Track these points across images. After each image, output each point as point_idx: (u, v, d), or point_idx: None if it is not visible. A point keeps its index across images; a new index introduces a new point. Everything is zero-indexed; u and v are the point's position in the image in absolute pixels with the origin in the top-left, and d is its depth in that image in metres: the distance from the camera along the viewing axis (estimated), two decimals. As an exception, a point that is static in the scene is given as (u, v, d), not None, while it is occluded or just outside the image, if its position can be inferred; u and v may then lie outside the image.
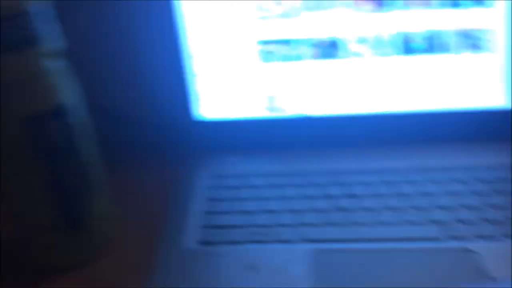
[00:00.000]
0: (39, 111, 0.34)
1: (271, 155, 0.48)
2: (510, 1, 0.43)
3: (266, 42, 0.47)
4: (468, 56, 0.45)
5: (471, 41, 0.44)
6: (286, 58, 0.47)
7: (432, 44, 0.45)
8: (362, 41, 0.46)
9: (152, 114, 0.52)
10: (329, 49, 0.46)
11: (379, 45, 0.46)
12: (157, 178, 0.48)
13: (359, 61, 0.46)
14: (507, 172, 0.42)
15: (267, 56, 0.47)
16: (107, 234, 0.40)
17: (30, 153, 0.34)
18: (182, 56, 0.47)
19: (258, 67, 0.48)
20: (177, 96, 0.49)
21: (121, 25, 0.50)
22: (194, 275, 0.36)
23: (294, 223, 0.39)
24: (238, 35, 0.47)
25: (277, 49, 0.47)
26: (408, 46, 0.45)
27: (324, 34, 0.46)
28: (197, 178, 0.46)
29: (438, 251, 0.35)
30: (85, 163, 0.37)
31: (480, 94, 0.46)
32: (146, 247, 0.39)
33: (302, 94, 0.48)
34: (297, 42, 0.46)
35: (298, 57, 0.47)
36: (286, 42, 0.47)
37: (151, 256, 0.38)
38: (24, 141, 0.34)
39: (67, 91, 0.35)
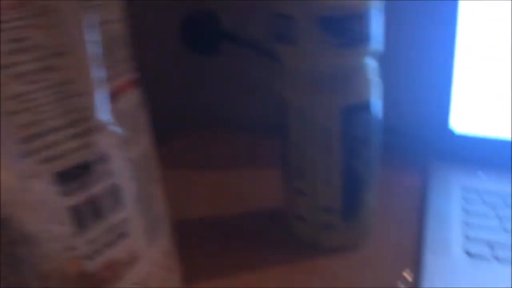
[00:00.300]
0: (354, 103, 0.36)
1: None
2: None
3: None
4: None
5: None
6: None
7: None
8: None
9: (411, 121, 0.53)
10: None
11: None
12: (407, 181, 0.49)
13: None
14: None
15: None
16: (371, 223, 0.42)
17: (336, 139, 0.37)
18: (452, 69, 0.48)
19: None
20: (438, 107, 0.49)
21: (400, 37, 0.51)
22: (466, 284, 0.36)
23: None
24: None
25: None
26: None
27: None
28: (452, 189, 0.46)
29: None
30: (373, 155, 0.38)
31: None
32: (401, 242, 0.41)
33: None
34: None
35: None
36: None
37: (408, 253, 0.39)
38: (336, 128, 0.36)
39: (374, 89, 0.37)
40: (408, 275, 0.38)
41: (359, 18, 0.34)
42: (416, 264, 0.38)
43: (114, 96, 0.27)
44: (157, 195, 0.32)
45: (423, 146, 0.51)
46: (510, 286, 0.35)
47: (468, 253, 0.38)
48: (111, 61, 0.27)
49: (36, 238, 0.24)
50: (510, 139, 0.48)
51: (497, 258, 0.38)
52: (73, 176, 0.25)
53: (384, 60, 0.52)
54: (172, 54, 0.59)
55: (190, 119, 0.60)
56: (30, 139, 0.23)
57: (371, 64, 0.37)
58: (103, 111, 0.26)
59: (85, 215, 0.26)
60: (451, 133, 0.50)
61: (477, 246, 0.39)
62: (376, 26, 0.35)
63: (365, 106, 0.36)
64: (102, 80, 0.26)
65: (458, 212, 0.43)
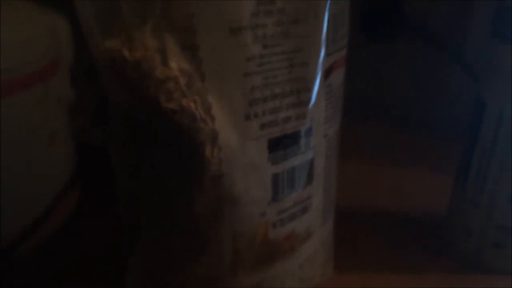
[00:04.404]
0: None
1: None
2: None
3: None
4: None
5: None
6: None
7: None
8: None
9: None
10: None
11: None
12: None
13: None
14: None
15: None
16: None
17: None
18: None
19: None
20: None
21: None
22: None
23: None
24: None
25: None
26: None
27: None
28: None
29: None
30: None
31: None
32: None
33: None
34: None
35: None
36: None
37: None
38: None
39: None
40: None
41: None
42: None
43: (328, 71, 0.27)
44: (336, 175, 0.32)
45: None
46: None
47: None
48: (336, 36, 0.26)
49: (240, 199, 0.24)
50: None
51: None
52: (283, 145, 0.25)
53: None
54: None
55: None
56: (256, 103, 0.23)
57: None
58: (319, 84, 0.26)
59: (282, 186, 0.26)
60: None
61: None
62: None
63: None
64: (326, 53, 0.25)
65: None
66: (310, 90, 0.25)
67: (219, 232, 0.25)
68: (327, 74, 0.27)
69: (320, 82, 0.26)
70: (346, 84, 0.30)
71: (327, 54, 0.26)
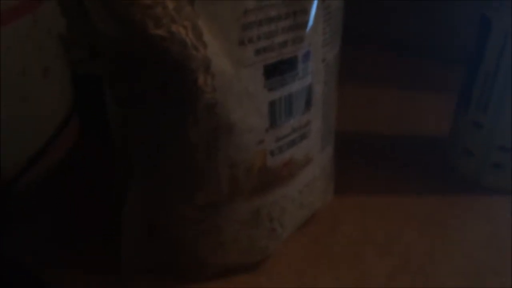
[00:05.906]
0: None
1: None
2: None
3: None
4: None
5: None
6: None
7: None
8: None
9: None
10: None
11: None
12: None
13: None
14: None
15: None
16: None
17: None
18: None
19: None
20: None
21: None
22: None
23: None
24: None
25: None
26: None
27: None
28: None
29: None
30: None
31: None
32: None
33: None
34: None
35: None
36: None
37: None
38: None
39: None
40: None
41: None
42: None
43: (326, -10, 0.25)
44: (335, 101, 0.31)
45: None
46: None
47: None
48: (333, -49, 0.24)
49: (236, 127, 0.24)
50: None
51: None
52: (279, 71, 0.24)
53: None
54: None
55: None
56: (250, 27, 0.22)
57: None
58: (316, 6, 0.24)
59: (279, 112, 0.25)
60: None
61: None
62: None
63: None
64: (323, -29, 0.24)
65: None
66: (307, 12, 0.24)
67: (216, 161, 0.24)
68: (325, -7, 0.25)
69: (318, 4, 0.24)
70: (345, 8, 0.29)
71: (325, -28, 0.24)
